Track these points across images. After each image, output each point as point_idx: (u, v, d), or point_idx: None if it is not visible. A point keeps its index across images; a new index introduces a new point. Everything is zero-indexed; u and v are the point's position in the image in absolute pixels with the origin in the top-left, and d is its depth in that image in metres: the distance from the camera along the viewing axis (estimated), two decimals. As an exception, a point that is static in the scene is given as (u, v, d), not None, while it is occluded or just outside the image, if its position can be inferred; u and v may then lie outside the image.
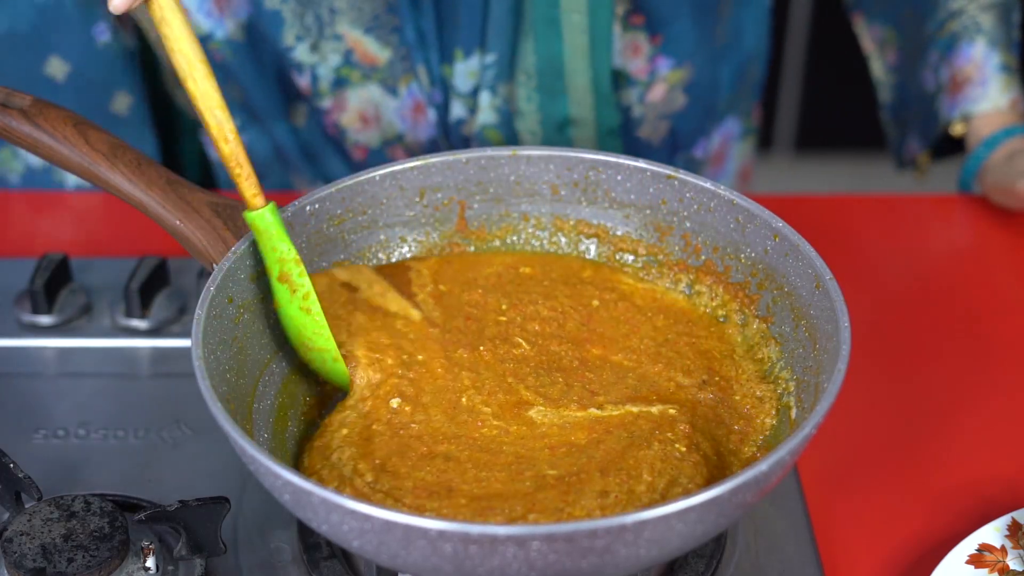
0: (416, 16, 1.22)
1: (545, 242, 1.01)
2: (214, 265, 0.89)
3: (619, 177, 0.99)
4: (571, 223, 1.00)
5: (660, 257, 0.99)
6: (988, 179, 1.26)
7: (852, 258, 1.20)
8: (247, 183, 0.87)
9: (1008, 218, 1.26)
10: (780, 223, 0.92)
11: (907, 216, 1.28)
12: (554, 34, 1.21)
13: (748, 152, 1.44)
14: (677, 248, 0.98)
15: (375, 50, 1.24)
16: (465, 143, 1.28)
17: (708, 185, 0.96)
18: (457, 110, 1.26)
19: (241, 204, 0.93)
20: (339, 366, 0.90)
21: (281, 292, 0.89)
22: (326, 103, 1.28)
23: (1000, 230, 1.25)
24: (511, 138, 1.27)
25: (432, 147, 1.29)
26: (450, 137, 1.29)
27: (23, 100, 0.93)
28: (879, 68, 1.39)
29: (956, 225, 1.27)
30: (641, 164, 0.98)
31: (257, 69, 1.28)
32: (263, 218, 0.87)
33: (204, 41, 1.27)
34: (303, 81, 1.28)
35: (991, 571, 0.89)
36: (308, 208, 0.94)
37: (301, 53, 1.26)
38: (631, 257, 0.99)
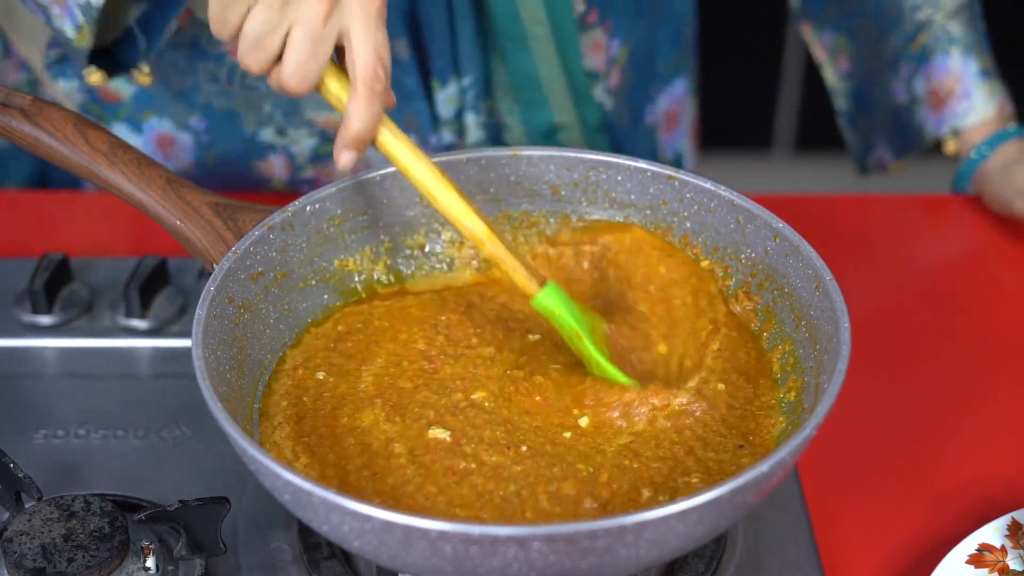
0: (395, 73, 1.20)
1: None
2: (214, 265, 0.89)
3: (619, 177, 0.99)
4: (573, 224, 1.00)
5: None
6: (985, 189, 1.25)
7: (852, 258, 1.20)
8: (515, 275, 0.89)
9: (1008, 219, 1.25)
10: (780, 223, 0.92)
11: (907, 216, 1.28)
12: (522, 49, 1.21)
13: (695, 112, 1.44)
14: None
15: None
16: None
17: (708, 185, 0.96)
18: (446, 137, 1.26)
19: (242, 204, 0.93)
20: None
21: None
22: (308, 174, 1.27)
23: (1000, 230, 1.25)
24: None
25: None
26: None
27: (23, 99, 0.93)
28: (831, 75, 1.39)
29: (956, 225, 1.27)
30: (641, 164, 0.98)
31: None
32: (538, 304, 0.89)
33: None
34: (278, 161, 1.26)
35: (991, 571, 0.89)
36: (308, 208, 0.94)
37: (268, 135, 1.25)
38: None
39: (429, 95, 1.23)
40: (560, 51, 1.22)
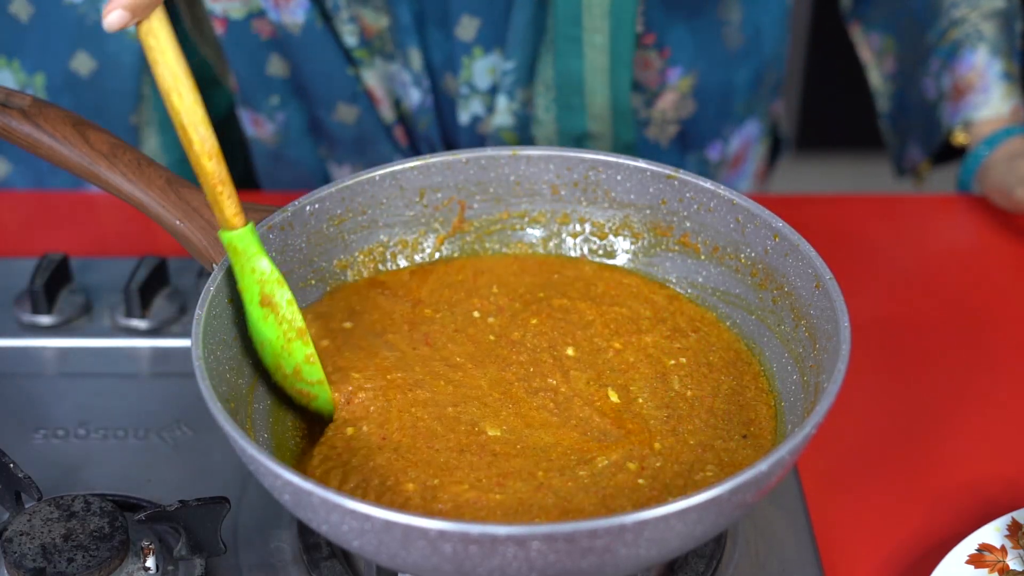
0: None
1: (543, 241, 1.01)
2: (214, 265, 0.89)
3: (619, 177, 0.99)
4: (571, 222, 1.00)
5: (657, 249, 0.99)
6: (988, 179, 1.26)
7: (852, 258, 1.20)
8: (229, 202, 0.85)
9: (1008, 218, 1.26)
10: (780, 223, 0.93)
11: (907, 216, 1.28)
12: (574, 52, 1.21)
13: (764, 153, 1.44)
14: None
15: (372, 20, 1.23)
16: (480, 141, 1.28)
17: (708, 185, 0.96)
18: (475, 106, 1.25)
19: (241, 203, 0.93)
20: (324, 393, 0.88)
21: (260, 315, 0.87)
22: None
23: (1000, 230, 1.25)
24: (527, 142, 1.27)
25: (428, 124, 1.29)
26: (459, 134, 1.28)
27: (23, 100, 0.93)
28: (877, 78, 1.39)
29: (956, 225, 1.27)
30: (641, 164, 0.98)
31: (323, 53, 1.26)
32: (243, 238, 0.86)
33: (259, 15, 1.25)
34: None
35: (991, 571, 0.89)
36: (308, 208, 0.94)
37: (317, 21, 1.24)
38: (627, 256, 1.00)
39: (468, 53, 1.22)
40: (612, 65, 1.22)
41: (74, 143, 0.92)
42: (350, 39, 1.24)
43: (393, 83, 1.27)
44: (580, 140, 1.26)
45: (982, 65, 1.28)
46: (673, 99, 1.29)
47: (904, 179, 1.41)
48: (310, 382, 0.87)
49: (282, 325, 0.87)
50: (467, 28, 1.21)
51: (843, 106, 2.47)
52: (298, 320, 0.87)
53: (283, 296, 0.87)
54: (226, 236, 0.86)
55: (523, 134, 1.27)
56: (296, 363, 0.87)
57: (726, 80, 1.31)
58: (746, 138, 1.37)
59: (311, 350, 0.87)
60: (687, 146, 1.33)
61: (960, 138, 1.30)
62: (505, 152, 0.99)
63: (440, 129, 1.29)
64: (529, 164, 0.99)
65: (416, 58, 1.24)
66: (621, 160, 0.98)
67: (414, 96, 1.26)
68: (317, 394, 0.88)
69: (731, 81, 1.31)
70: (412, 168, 0.98)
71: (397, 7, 1.21)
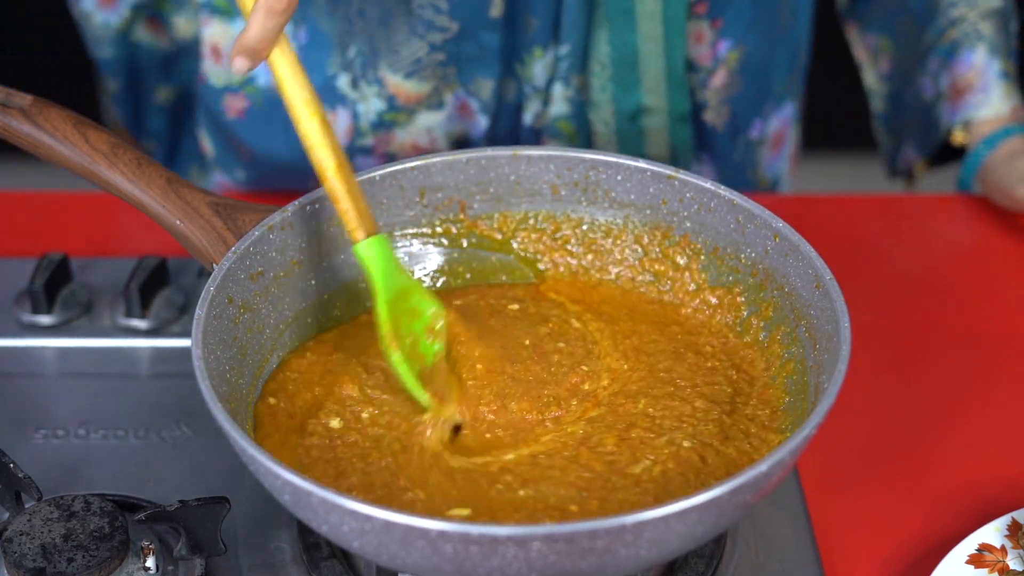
0: (482, 35, 1.20)
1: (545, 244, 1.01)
2: (214, 265, 0.89)
3: (619, 177, 0.99)
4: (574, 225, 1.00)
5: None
6: (989, 178, 1.26)
7: (852, 258, 1.20)
8: (346, 217, 0.89)
9: (1008, 218, 1.25)
10: (780, 223, 0.93)
11: (907, 216, 1.28)
12: (628, 24, 1.20)
13: (798, 138, 1.44)
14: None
15: (415, 89, 1.23)
16: (537, 135, 1.27)
17: (708, 185, 0.96)
18: (534, 105, 1.25)
19: (242, 203, 0.93)
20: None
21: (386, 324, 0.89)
22: (368, 141, 1.26)
23: (1000, 230, 1.25)
24: (583, 128, 1.26)
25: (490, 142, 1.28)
26: (521, 134, 1.27)
27: (23, 100, 0.93)
28: (872, 77, 1.39)
29: (956, 225, 1.27)
30: (641, 164, 0.98)
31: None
32: (360, 251, 0.89)
33: (244, 85, 1.27)
34: (342, 118, 1.25)
35: (991, 571, 0.89)
36: (308, 208, 0.94)
37: (343, 84, 1.24)
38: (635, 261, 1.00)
39: (530, 56, 1.22)
40: (666, 32, 1.21)
41: (74, 142, 0.92)
42: (377, 103, 1.24)
43: (451, 124, 1.25)
44: (635, 116, 1.25)
45: (981, 64, 1.28)
46: (724, 76, 1.28)
47: (896, 180, 1.41)
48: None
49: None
50: (531, 26, 1.21)
51: (843, 106, 2.47)
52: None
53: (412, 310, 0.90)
54: (354, 249, 0.89)
55: (579, 123, 1.26)
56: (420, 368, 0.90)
57: (769, 58, 1.30)
58: (784, 119, 1.37)
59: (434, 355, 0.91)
60: (736, 128, 1.33)
61: (959, 138, 1.30)
62: (505, 152, 0.99)
63: (488, 143, 1.28)
64: (529, 164, 0.99)
65: (487, 86, 1.23)
66: (621, 160, 0.98)
67: (481, 124, 1.25)
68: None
69: (772, 59, 1.31)
70: (412, 168, 0.98)
71: (486, 39, 1.20)
